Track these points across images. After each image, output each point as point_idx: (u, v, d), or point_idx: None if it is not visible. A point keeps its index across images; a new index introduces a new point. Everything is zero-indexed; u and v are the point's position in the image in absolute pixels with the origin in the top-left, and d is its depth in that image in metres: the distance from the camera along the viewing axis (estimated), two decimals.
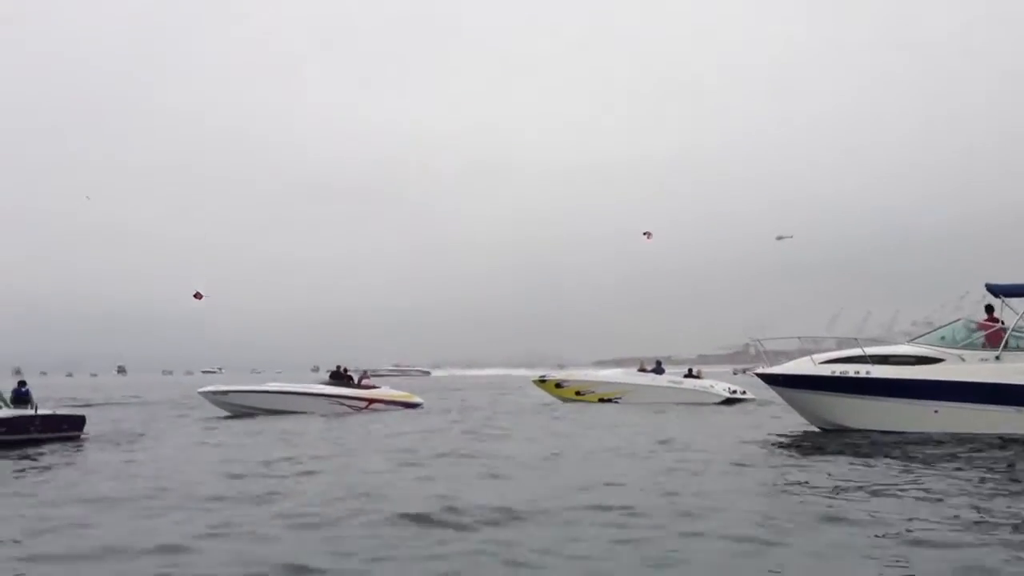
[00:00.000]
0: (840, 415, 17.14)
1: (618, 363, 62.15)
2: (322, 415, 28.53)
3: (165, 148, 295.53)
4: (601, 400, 31.74)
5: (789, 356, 19.71)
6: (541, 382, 33.64)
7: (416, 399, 32.21)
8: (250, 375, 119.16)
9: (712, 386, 32.48)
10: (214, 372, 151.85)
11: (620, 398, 31.69)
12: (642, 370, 33.62)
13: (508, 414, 27.85)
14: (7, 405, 19.37)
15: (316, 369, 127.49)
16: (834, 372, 17.05)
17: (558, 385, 32.97)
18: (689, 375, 33.86)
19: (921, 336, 18.08)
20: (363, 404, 30.32)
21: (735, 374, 65.91)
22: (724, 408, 29.26)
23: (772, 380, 18.52)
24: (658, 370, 33.60)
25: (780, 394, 18.83)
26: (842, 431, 16.94)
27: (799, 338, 20.35)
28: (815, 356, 17.97)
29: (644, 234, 53.53)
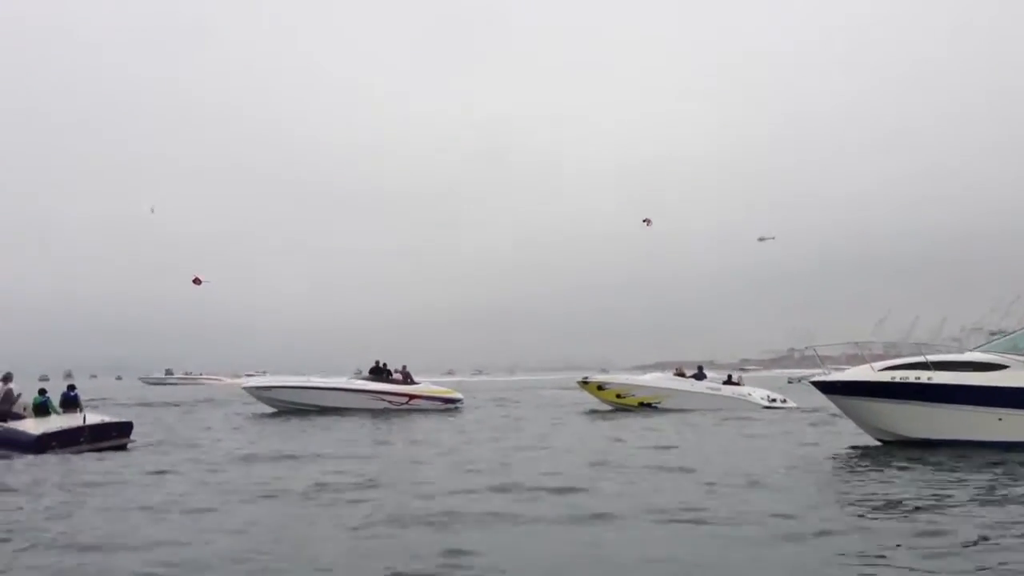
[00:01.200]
0: (900, 424, 16.63)
1: (659, 367, 61.72)
2: (367, 410, 28.96)
3: (209, 150, 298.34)
4: (641, 404, 31.58)
5: (835, 362, 19.34)
6: (584, 384, 33.61)
7: (456, 395, 32.50)
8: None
9: (750, 394, 32.05)
10: (256, 375, 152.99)
11: (659, 403, 31.49)
12: (679, 374, 33.34)
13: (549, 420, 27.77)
14: (56, 412, 19.38)
15: (358, 372, 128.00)
16: (894, 378, 16.59)
17: (600, 387, 32.86)
18: (728, 382, 33.48)
19: (989, 343, 17.79)
20: (404, 400, 30.62)
21: (789, 383, 64.80)
22: (766, 415, 28.26)
23: (830, 388, 17.94)
24: (699, 375, 33.20)
25: (837, 403, 18.16)
26: (902, 441, 16.50)
27: (855, 343, 19.71)
28: (874, 364, 17.32)
29: (644, 221, 53.31)
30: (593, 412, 30.40)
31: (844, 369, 19.01)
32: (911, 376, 16.41)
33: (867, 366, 17.35)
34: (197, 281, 42.40)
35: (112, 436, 18.80)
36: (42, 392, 19.88)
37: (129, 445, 18.79)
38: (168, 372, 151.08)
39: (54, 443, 17.45)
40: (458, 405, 31.67)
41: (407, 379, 32.07)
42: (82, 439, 17.96)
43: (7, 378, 19.23)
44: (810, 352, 19.43)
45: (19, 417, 18.49)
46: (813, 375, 19.92)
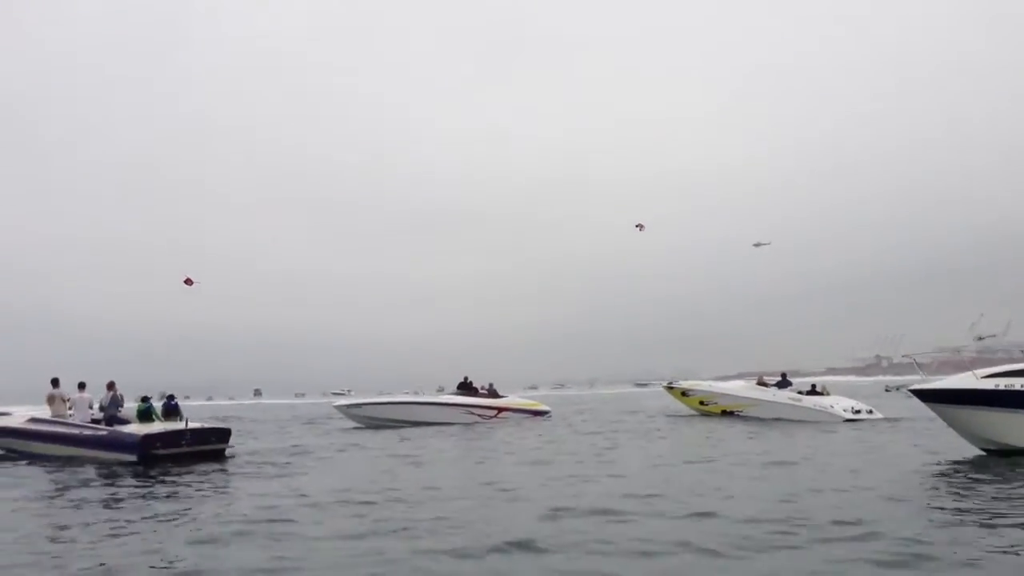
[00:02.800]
0: (1006, 433, 16.00)
1: (741, 379, 60.70)
2: (454, 424, 29.28)
3: (278, 182, 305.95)
4: (724, 412, 31.45)
5: (927, 370, 18.95)
6: (669, 388, 33.77)
7: (543, 407, 32.81)
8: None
9: (832, 406, 31.04)
10: (343, 394, 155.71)
11: (742, 411, 31.30)
12: (762, 384, 32.97)
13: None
14: (159, 418, 20.25)
15: (441, 389, 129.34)
16: (998, 386, 16.00)
17: (684, 393, 32.90)
18: (812, 391, 32.82)
19: None
20: (492, 413, 30.93)
21: (887, 391, 62.87)
22: (847, 429, 26.15)
23: (931, 397, 17.33)
24: (783, 384, 32.58)
25: (938, 412, 17.52)
26: (1007, 451, 15.90)
27: (955, 350, 19.21)
28: (976, 371, 16.75)
29: (637, 226, 52.32)
30: (690, 419, 30.13)
31: (938, 378, 18.36)
32: (1017, 383, 15.86)
33: (969, 373, 16.81)
34: (188, 282, 42.79)
35: (212, 441, 19.52)
36: (145, 399, 20.84)
37: (228, 451, 19.40)
38: (257, 392, 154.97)
39: (158, 444, 18.31)
40: (547, 417, 31.86)
41: (493, 395, 32.42)
42: (184, 442, 18.72)
43: (110, 385, 20.22)
44: (898, 360, 19.05)
45: (124, 422, 19.48)
46: (910, 383, 19.45)
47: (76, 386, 20.13)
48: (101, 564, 7.78)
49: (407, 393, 35.05)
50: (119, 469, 16.84)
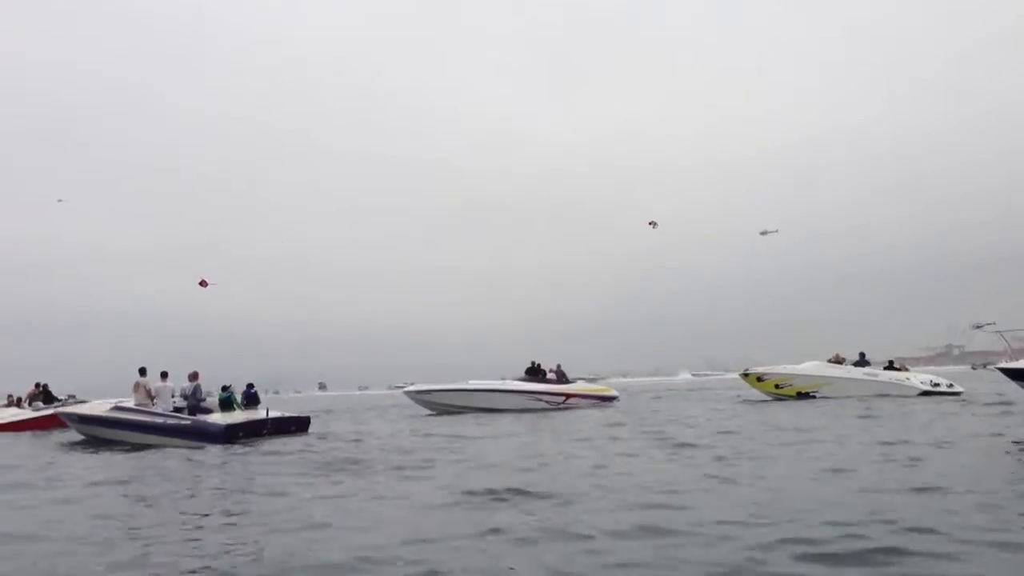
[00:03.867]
0: None
1: None
2: (520, 410, 29.41)
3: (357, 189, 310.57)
4: (799, 394, 31.13)
5: (999, 356, 19.04)
6: (745, 376, 33.55)
7: (612, 392, 32.74)
8: None
9: (908, 379, 31.22)
10: (405, 386, 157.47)
11: (817, 391, 31.03)
12: (837, 361, 32.59)
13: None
14: (240, 407, 20.80)
15: (503, 379, 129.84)
16: None
17: (759, 379, 32.62)
18: (890, 367, 32.71)
19: None
20: (560, 399, 30.94)
21: (974, 368, 62.07)
22: (925, 402, 25.91)
23: (1020, 375, 17.95)
24: (861, 362, 32.68)
25: None
26: None
27: None
28: None
29: (650, 223, 52.60)
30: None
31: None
32: None
33: None
34: (203, 284, 43.39)
35: (291, 430, 19.93)
36: (225, 388, 21.27)
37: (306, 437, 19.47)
38: (321, 386, 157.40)
39: (240, 433, 18.68)
40: (614, 403, 31.80)
41: (561, 378, 32.30)
42: (265, 431, 19.14)
43: (193, 375, 20.75)
44: (970, 348, 19.17)
45: (206, 411, 19.93)
46: (999, 363, 19.54)
47: (159, 375, 20.60)
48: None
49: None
50: (209, 456, 16.74)
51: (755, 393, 32.81)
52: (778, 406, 26.38)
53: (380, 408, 40.54)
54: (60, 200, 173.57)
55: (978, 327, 20.29)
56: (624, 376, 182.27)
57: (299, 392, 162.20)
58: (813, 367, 32.45)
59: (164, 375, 20.59)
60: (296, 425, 20.35)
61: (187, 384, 20.38)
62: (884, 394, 29.52)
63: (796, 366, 32.69)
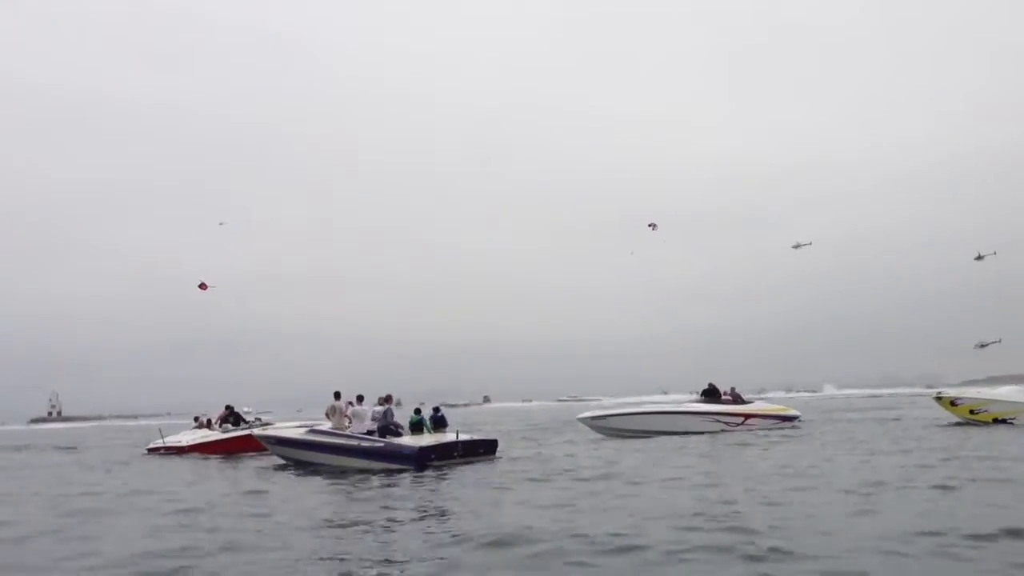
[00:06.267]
0: None
1: (994, 382, 55.70)
2: (700, 433, 28.88)
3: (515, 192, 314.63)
4: (995, 420, 29.33)
5: None
6: (938, 399, 31.92)
7: (792, 412, 31.66)
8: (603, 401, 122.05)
9: None
10: (568, 400, 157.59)
11: (1015, 419, 29.14)
12: None
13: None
14: (429, 430, 21.39)
15: (664, 393, 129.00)
16: None
17: (953, 403, 30.91)
18: None
19: None
20: (739, 420, 30.20)
21: None
22: None
23: None
24: None
25: None
26: None
27: None
28: None
29: (649, 226, 49.97)
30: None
31: None
32: None
33: None
34: (203, 287, 43.36)
35: (479, 452, 20.20)
36: (417, 411, 21.90)
37: (495, 461, 19.89)
38: (486, 398, 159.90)
39: (433, 456, 19.05)
40: (796, 423, 30.83)
41: (737, 400, 31.48)
42: (456, 453, 19.40)
43: (387, 399, 21.46)
44: None
45: (397, 434, 20.45)
46: None
47: (355, 399, 21.37)
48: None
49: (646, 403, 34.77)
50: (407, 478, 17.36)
51: (948, 416, 31.12)
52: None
53: (554, 429, 40.58)
54: (221, 223, 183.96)
55: (983, 346, 18.43)
56: (790, 391, 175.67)
57: (468, 404, 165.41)
58: (1012, 392, 30.50)
59: (360, 399, 21.31)
60: (484, 448, 20.65)
61: (379, 407, 21.01)
62: None
63: (993, 390, 30.83)
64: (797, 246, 59.59)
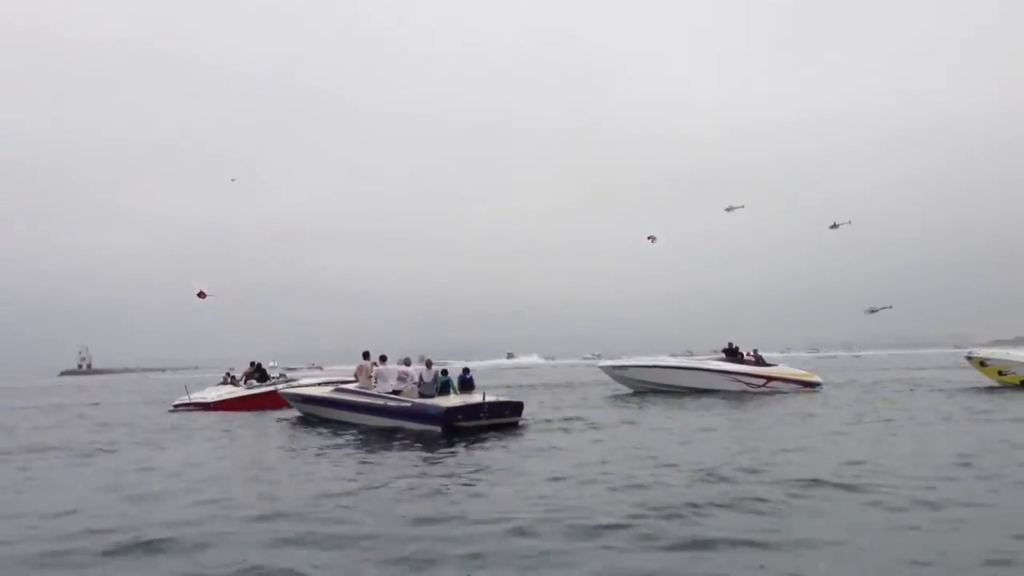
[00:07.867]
0: None
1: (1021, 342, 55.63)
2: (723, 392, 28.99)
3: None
4: (1023, 383, 29.37)
5: None
6: (969, 359, 31.98)
7: (815, 378, 31.50)
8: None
9: None
10: (592, 358, 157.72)
11: None
12: None
13: None
14: (456, 391, 21.34)
15: (690, 353, 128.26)
16: None
17: (983, 363, 30.91)
18: None
19: None
20: (761, 382, 30.26)
21: None
22: None
23: None
24: None
25: None
26: None
27: None
28: None
29: (648, 238, 52.40)
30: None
31: None
32: None
33: None
34: (202, 295, 43.65)
35: (506, 414, 20.01)
36: (444, 373, 22.03)
37: (520, 422, 19.92)
38: (509, 355, 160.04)
39: (460, 416, 18.97)
40: (818, 389, 30.70)
41: (759, 362, 31.53)
42: (482, 415, 19.28)
43: (428, 363, 21.52)
44: None
45: (426, 395, 20.35)
46: None
47: (379, 359, 21.50)
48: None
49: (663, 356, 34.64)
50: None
51: (981, 378, 31.07)
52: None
53: (580, 384, 40.87)
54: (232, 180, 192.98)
55: (873, 311, 18.16)
56: (816, 351, 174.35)
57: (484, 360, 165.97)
58: None
59: (383, 358, 21.45)
60: (511, 409, 20.53)
61: (424, 369, 20.88)
62: None
63: (1020, 352, 30.77)
64: (835, 226, 58.92)
